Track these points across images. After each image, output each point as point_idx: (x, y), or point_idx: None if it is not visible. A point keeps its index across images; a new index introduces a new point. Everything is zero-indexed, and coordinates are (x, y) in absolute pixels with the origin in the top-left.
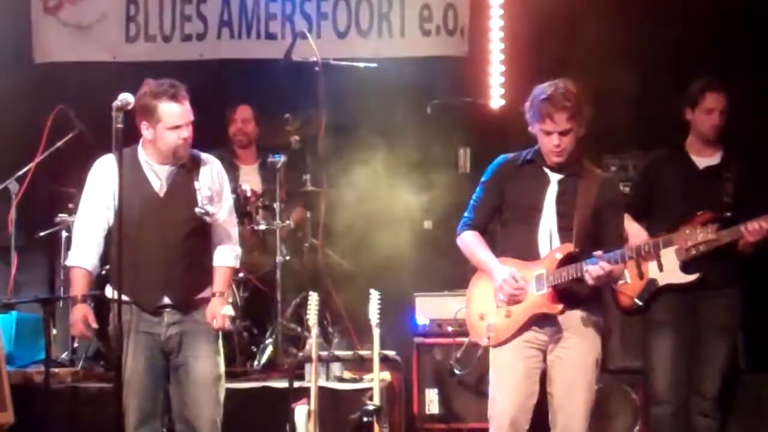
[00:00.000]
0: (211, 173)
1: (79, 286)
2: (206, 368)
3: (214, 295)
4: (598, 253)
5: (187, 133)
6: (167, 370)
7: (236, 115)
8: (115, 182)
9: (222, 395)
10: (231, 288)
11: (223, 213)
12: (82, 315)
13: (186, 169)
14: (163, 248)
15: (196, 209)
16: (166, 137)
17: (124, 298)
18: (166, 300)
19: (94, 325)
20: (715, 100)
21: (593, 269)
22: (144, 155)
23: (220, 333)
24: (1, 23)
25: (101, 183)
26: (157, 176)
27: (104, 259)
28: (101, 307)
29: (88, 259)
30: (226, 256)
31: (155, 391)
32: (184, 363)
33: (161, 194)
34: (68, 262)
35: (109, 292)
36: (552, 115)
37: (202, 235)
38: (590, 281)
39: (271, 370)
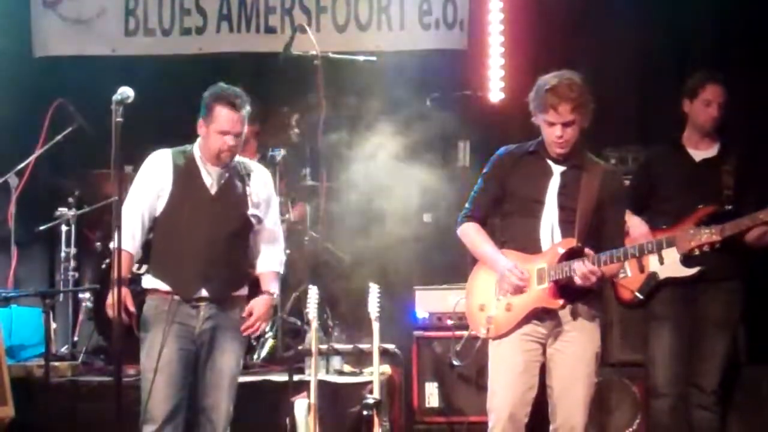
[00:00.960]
0: (261, 181)
1: (124, 269)
2: (231, 362)
3: (267, 292)
4: (588, 251)
5: (233, 141)
6: (196, 361)
7: None
8: (168, 175)
9: (236, 389)
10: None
11: (270, 219)
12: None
13: (238, 173)
14: (207, 244)
15: (249, 212)
16: (213, 139)
17: (165, 288)
18: (204, 293)
19: (132, 309)
20: (714, 92)
21: (578, 268)
22: (198, 153)
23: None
24: (0, 17)
25: (155, 174)
26: (209, 175)
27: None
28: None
29: (133, 244)
30: (273, 261)
31: (185, 382)
32: (210, 354)
33: (212, 192)
34: (115, 245)
35: (147, 282)
36: (556, 106)
37: (244, 237)
38: (578, 281)
39: (271, 364)
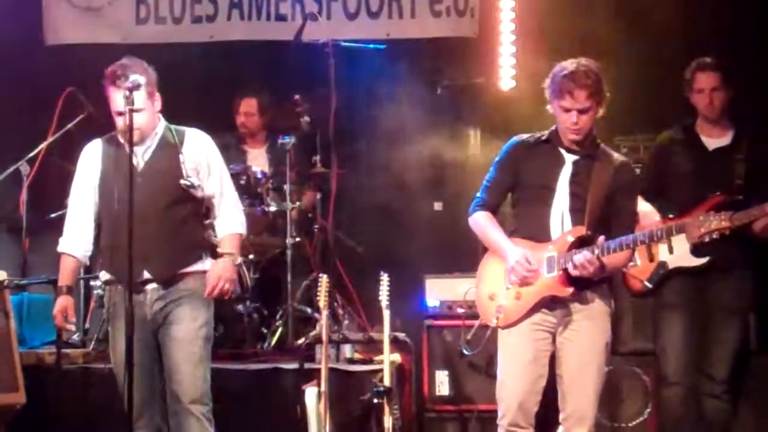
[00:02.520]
0: (195, 145)
1: (64, 275)
2: (186, 328)
3: (221, 256)
4: (600, 239)
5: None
6: (158, 346)
7: (241, 108)
8: (97, 163)
9: (205, 355)
10: (239, 254)
11: (214, 185)
12: (62, 307)
13: (167, 143)
14: (141, 223)
15: (182, 181)
16: (115, 121)
17: (109, 277)
18: (146, 275)
19: (73, 319)
20: (703, 79)
21: (576, 258)
22: (121, 136)
23: (211, 301)
24: (12, 5)
25: (87, 167)
26: (135, 154)
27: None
28: None
29: (77, 246)
30: (228, 225)
31: (151, 370)
32: (167, 330)
33: (139, 169)
34: (58, 249)
35: (102, 274)
36: (572, 91)
37: (186, 208)
38: (573, 272)
39: (281, 352)
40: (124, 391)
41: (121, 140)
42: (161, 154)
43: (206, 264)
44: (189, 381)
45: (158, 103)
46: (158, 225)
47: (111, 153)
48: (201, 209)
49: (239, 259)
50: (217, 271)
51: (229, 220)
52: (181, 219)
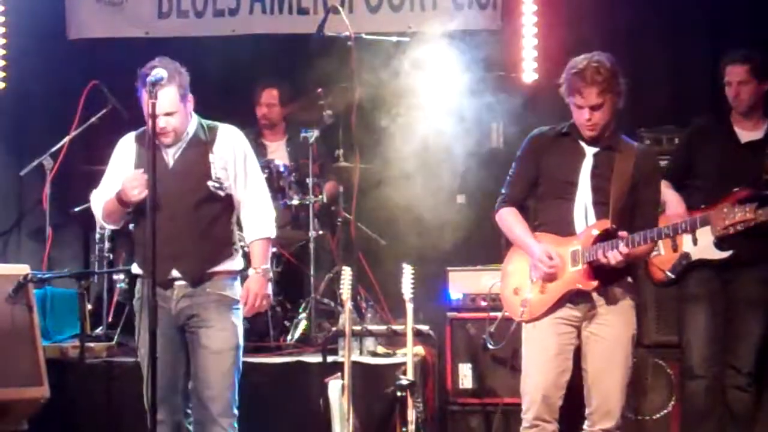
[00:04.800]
0: (226, 143)
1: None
2: (215, 337)
3: (254, 270)
4: (623, 233)
5: (164, 123)
6: (185, 344)
7: (262, 99)
8: (131, 158)
9: (235, 368)
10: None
11: (243, 184)
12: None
13: (199, 141)
14: (171, 220)
15: (209, 182)
16: (149, 123)
17: (139, 272)
18: (175, 273)
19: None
20: (732, 72)
21: (612, 255)
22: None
23: (240, 307)
24: (35, 0)
25: (118, 159)
26: (167, 152)
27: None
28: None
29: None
30: (256, 229)
31: (173, 365)
32: (194, 334)
33: (170, 167)
34: (98, 217)
35: (134, 268)
36: (582, 90)
37: (215, 207)
38: (611, 263)
39: (304, 345)
40: (146, 384)
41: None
42: (191, 153)
43: (235, 262)
44: (217, 393)
45: (191, 104)
46: (188, 223)
47: (143, 149)
48: (230, 207)
49: (270, 273)
50: (253, 289)
51: (258, 222)
52: (211, 218)
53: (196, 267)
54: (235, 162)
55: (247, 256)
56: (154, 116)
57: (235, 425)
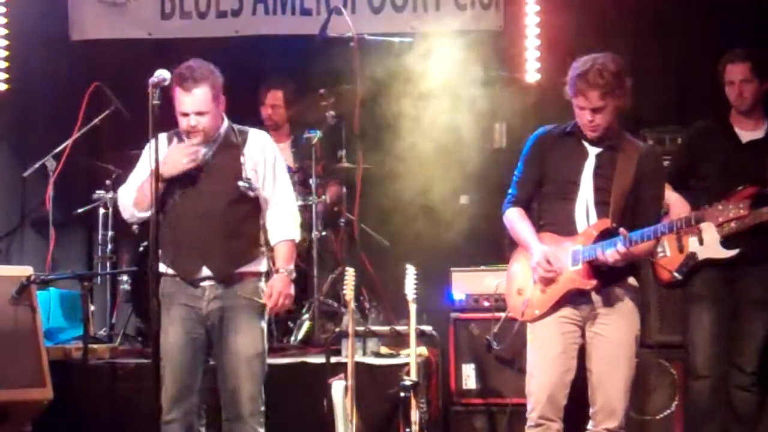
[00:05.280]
0: (257, 145)
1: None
2: (245, 342)
3: (277, 271)
4: (622, 231)
5: (194, 121)
6: (208, 343)
7: (267, 101)
8: (160, 157)
9: (263, 371)
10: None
11: (272, 186)
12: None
13: (230, 143)
14: (201, 219)
15: (240, 183)
16: (179, 121)
17: (170, 271)
18: (206, 271)
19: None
20: (733, 71)
21: (609, 253)
22: (183, 135)
23: (266, 309)
24: (38, 1)
25: (145, 160)
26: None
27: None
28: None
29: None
30: (281, 230)
31: (194, 365)
32: (224, 337)
33: (202, 167)
34: (127, 202)
35: (160, 266)
36: (584, 92)
37: (245, 207)
38: (608, 261)
39: (308, 346)
40: (164, 380)
41: (184, 139)
42: (223, 154)
43: (262, 263)
44: (248, 397)
45: (223, 106)
46: (218, 223)
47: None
48: (258, 208)
49: (294, 274)
50: (277, 288)
51: (284, 224)
52: (241, 218)
53: (226, 266)
54: (265, 164)
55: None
56: (154, 118)
57: (262, 421)
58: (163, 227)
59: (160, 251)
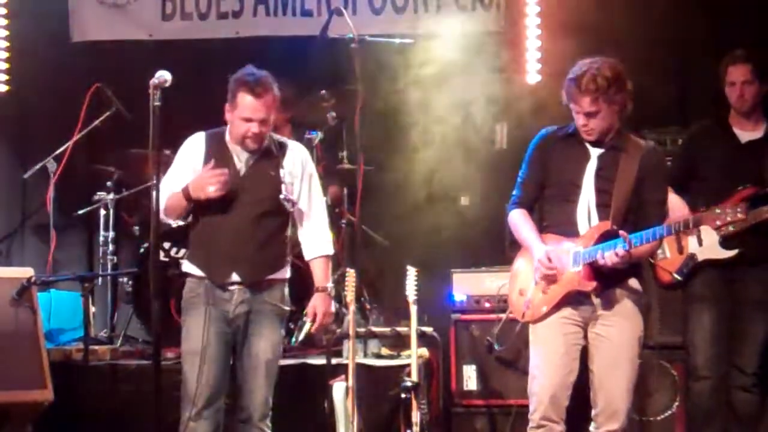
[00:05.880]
0: (296, 159)
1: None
2: (266, 348)
3: (317, 290)
4: (622, 233)
5: (257, 128)
6: (234, 345)
7: None
8: (200, 158)
9: (276, 375)
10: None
11: (308, 198)
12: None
13: (270, 153)
14: (237, 227)
15: (281, 195)
16: (237, 126)
17: (199, 272)
18: (235, 276)
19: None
20: (735, 72)
21: (609, 255)
22: (228, 136)
23: (285, 318)
24: (39, 2)
25: (189, 156)
26: (239, 157)
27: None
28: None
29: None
30: (317, 246)
31: (225, 365)
32: (246, 339)
33: (241, 174)
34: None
35: (185, 266)
36: (576, 97)
37: (277, 218)
38: (608, 264)
39: (309, 347)
40: (198, 379)
41: (229, 141)
42: (264, 163)
43: (287, 271)
44: (262, 400)
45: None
46: (252, 231)
47: (214, 151)
48: (287, 220)
49: (333, 291)
50: (321, 308)
51: (318, 240)
52: (273, 229)
53: (256, 273)
54: (302, 179)
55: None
56: (154, 121)
57: (270, 424)
58: (195, 229)
59: (188, 251)
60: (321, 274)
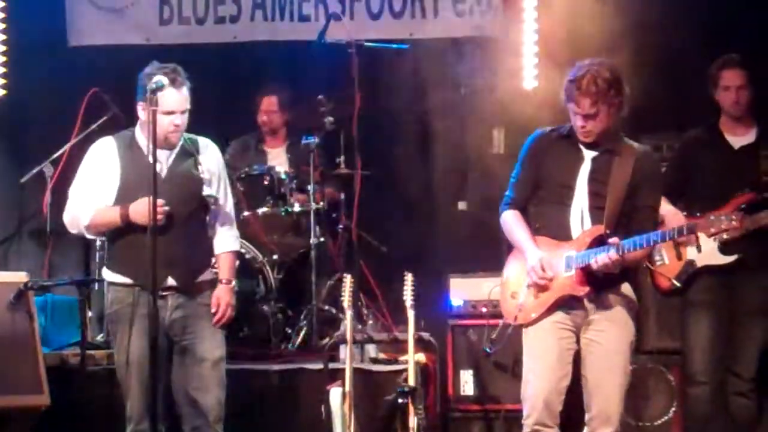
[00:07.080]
0: (212, 156)
1: (110, 208)
2: (211, 348)
3: (221, 282)
4: (614, 240)
5: (180, 120)
6: (170, 353)
7: (262, 106)
8: (115, 164)
9: (224, 374)
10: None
11: (224, 198)
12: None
13: (186, 151)
14: (164, 229)
15: (205, 192)
16: (159, 121)
17: (127, 281)
18: (171, 281)
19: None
20: (730, 77)
21: (601, 259)
22: (141, 137)
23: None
24: (36, 7)
25: (100, 163)
26: (157, 159)
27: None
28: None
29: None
30: (228, 241)
31: (159, 376)
32: (188, 345)
33: (162, 175)
34: (81, 221)
35: (107, 274)
36: (575, 98)
37: (201, 217)
38: (596, 268)
39: (306, 352)
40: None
41: (143, 140)
42: (184, 162)
43: (213, 272)
44: (215, 402)
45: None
46: (180, 232)
47: (129, 155)
48: (209, 218)
49: (236, 286)
50: (225, 299)
51: (227, 236)
52: (199, 227)
53: (189, 275)
54: (219, 175)
55: None
56: (154, 123)
57: (222, 427)
58: (119, 236)
59: (109, 259)
60: (227, 268)
